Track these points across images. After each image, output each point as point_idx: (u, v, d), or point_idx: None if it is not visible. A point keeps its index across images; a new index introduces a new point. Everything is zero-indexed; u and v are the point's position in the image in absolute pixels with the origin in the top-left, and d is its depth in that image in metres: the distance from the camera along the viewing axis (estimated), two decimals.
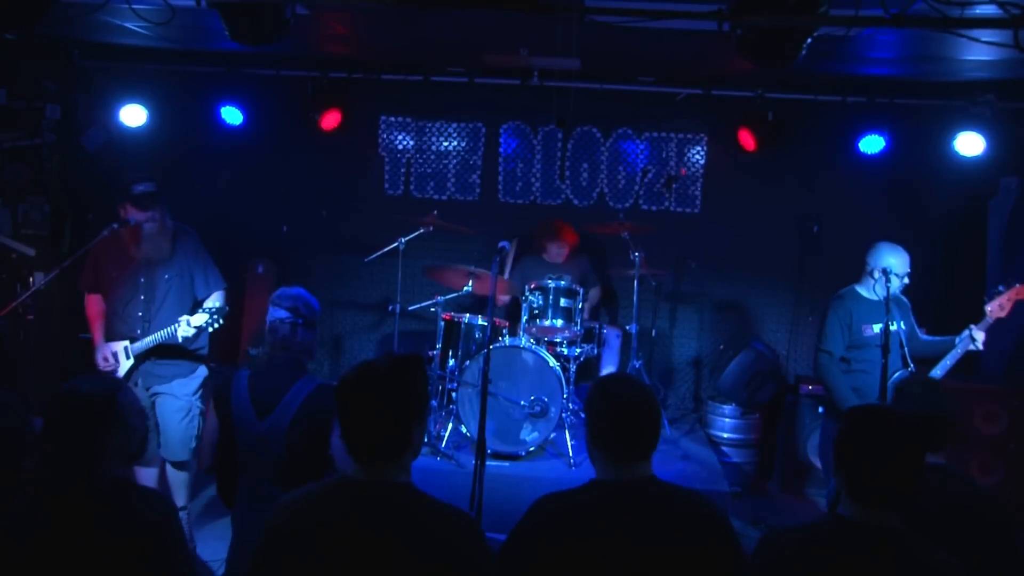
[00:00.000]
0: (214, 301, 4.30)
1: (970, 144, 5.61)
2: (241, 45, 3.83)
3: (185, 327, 4.10)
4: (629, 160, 6.65)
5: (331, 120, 6.32)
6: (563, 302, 5.20)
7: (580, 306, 5.28)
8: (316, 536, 1.87)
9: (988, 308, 4.19)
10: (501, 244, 4.03)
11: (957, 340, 4.22)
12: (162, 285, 4.29)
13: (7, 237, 6.08)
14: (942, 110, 5.77)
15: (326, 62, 6.20)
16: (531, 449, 4.96)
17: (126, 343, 4.28)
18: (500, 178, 6.72)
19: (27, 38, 5.32)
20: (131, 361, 4.29)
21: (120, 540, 2.05)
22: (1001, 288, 4.18)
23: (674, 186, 6.61)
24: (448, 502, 1.97)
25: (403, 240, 5.70)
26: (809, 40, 3.48)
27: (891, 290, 4.36)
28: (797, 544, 2.08)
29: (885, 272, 4.26)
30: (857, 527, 2.03)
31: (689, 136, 6.59)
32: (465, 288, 5.48)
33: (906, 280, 4.37)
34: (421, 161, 6.76)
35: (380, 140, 6.76)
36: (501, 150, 6.71)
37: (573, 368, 5.38)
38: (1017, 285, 4.14)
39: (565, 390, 4.95)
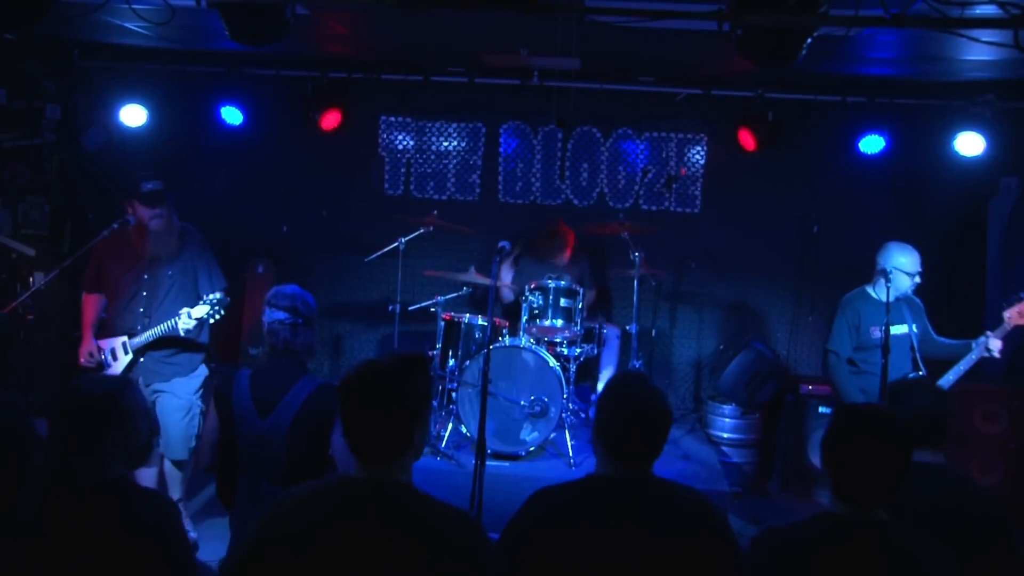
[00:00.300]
0: (215, 293, 4.28)
1: (970, 144, 5.61)
2: (241, 45, 3.84)
3: (186, 319, 4.10)
4: (629, 160, 6.65)
5: (331, 120, 6.32)
6: (563, 302, 5.20)
7: (580, 306, 5.28)
8: (314, 534, 1.87)
9: (1007, 315, 4.15)
10: (501, 244, 4.03)
11: (973, 344, 4.17)
12: (165, 281, 4.31)
13: (7, 237, 6.08)
14: (942, 110, 5.77)
15: (326, 62, 6.20)
16: (531, 449, 4.96)
17: (124, 338, 4.29)
18: (500, 178, 6.72)
19: (27, 38, 5.33)
20: (130, 356, 4.29)
21: (122, 541, 2.05)
22: (1022, 295, 4.15)
23: (674, 186, 6.61)
24: (449, 502, 1.97)
25: (403, 240, 5.70)
26: (809, 40, 3.48)
27: (902, 290, 4.34)
28: (787, 542, 2.10)
29: (885, 273, 4.25)
30: (843, 522, 2.06)
31: (689, 136, 6.59)
32: (465, 288, 5.48)
33: (918, 279, 4.35)
34: (421, 161, 6.76)
35: (380, 140, 6.76)
36: (501, 150, 6.71)
37: (573, 368, 5.38)
38: None
39: (565, 390, 4.95)
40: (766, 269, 6.60)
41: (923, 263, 4.46)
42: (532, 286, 5.27)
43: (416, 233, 5.71)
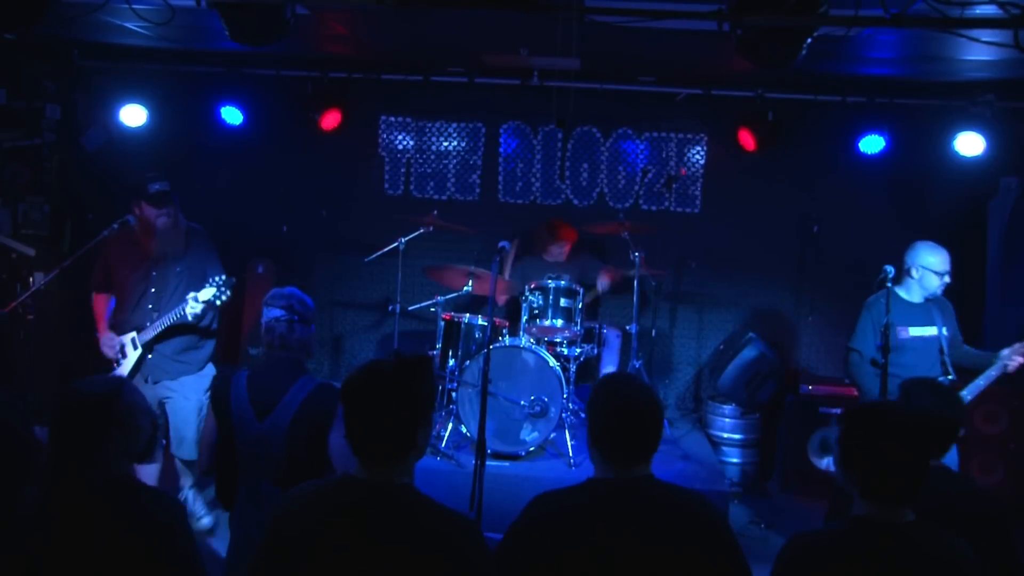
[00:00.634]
0: (220, 276, 4.23)
1: (970, 144, 5.61)
2: (241, 45, 3.84)
3: (192, 303, 4.10)
4: (629, 160, 6.65)
5: (331, 120, 6.32)
6: (563, 302, 5.20)
7: (580, 306, 5.28)
8: (316, 535, 1.87)
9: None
10: (501, 244, 4.03)
11: (999, 356, 4.07)
12: (173, 278, 4.34)
13: (7, 237, 6.09)
14: (942, 110, 5.77)
15: (326, 62, 6.20)
16: (531, 449, 4.96)
17: (133, 334, 4.32)
18: (500, 178, 6.72)
19: (27, 38, 5.33)
20: (139, 351, 4.31)
21: (128, 541, 2.05)
22: None
23: (674, 186, 6.62)
24: (449, 503, 1.97)
25: (403, 240, 5.70)
26: (809, 40, 3.48)
27: (931, 290, 4.26)
28: (821, 548, 2.07)
29: (885, 273, 4.21)
30: (876, 525, 2.04)
31: (689, 136, 6.59)
32: (465, 288, 5.48)
33: (947, 279, 4.26)
34: (421, 161, 6.76)
35: (380, 140, 6.76)
36: (501, 150, 6.71)
37: (573, 368, 5.38)
38: None
39: (565, 390, 4.95)
40: (766, 269, 6.60)
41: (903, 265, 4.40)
42: (532, 286, 5.27)
43: (416, 233, 5.71)
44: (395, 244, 5.71)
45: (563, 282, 5.23)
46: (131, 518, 2.08)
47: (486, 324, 5.07)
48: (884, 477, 2.05)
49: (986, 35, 3.53)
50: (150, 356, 4.35)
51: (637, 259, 5.59)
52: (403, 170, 6.77)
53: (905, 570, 1.99)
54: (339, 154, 6.71)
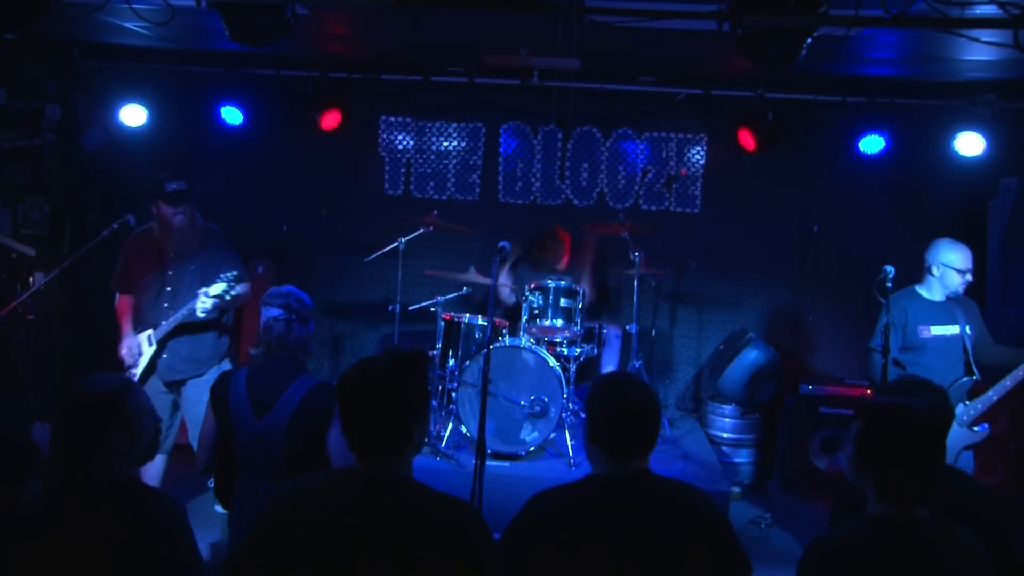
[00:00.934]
0: (231, 272, 4.23)
1: (970, 144, 5.61)
2: (241, 45, 3.84)
3: (203, 299, 4.12)
4: (629, 160, 6.65)
5: (331, 120, 6.32)
6: (563, 302, 5.20)
7: (580, 306, 5.28)
8: (313, 524, 1.87)
9: None
10: (501, 244, 4.02)
11: None
12: (188, 276, 4.36)
13: (7, 237, 6.09)
14: (942, 110, 5.77)
15: (326, 62, 6.20)
16: (531, 449, 4.96)
17: (149, 331, 4.34)
18: (500, 178, 6.72)
19: (27, 38, 5.33)
20: (154, 347, 4.33)
21: (128, 541, 2.04)
22: None
23: (674, 186, 6.62)
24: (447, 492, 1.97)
25: (403, 240, 5.70)
26: (809, 40, 3.49)
27: (952, 288, 4.20)
28: (846, 550, 2.07)
29: (885, 273, 4.20)
30: (896, 524, 2.05)
31: (689, 136, 6.59)
32: (465, 288, 5.48)
33: (969, 277, 4.20)
34: (421, 161, 6.76)
35: (380, 140, 6.76)
36: (501, 150, 6.71)
37: (573, 368, 5.38)
38: None
39: (565, 390, 4.95)
40: (766, 269, 6.60)
41: (922, 263, 4.39)
42: (532, 286, 5.26)
43: (416, 233, 5.71)
44: (395, 244, 5.71)
45: (563, 282, 5.23)
46: (132, 519, 2.08)
47: (486, 324, 5.07)
48: (903, 477, 2.06)
49: (986, 35, 3.53)
50: (164, 355, 4.36)
51: (637, 259, 5.59)
52: (403, 170, 6.77)
53: (930, 566, 2.00)
54: (339, 154, 6.71)
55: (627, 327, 5.92)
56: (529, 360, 4.99)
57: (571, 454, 4.95)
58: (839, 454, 5.65)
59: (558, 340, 5.36)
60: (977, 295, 5.94)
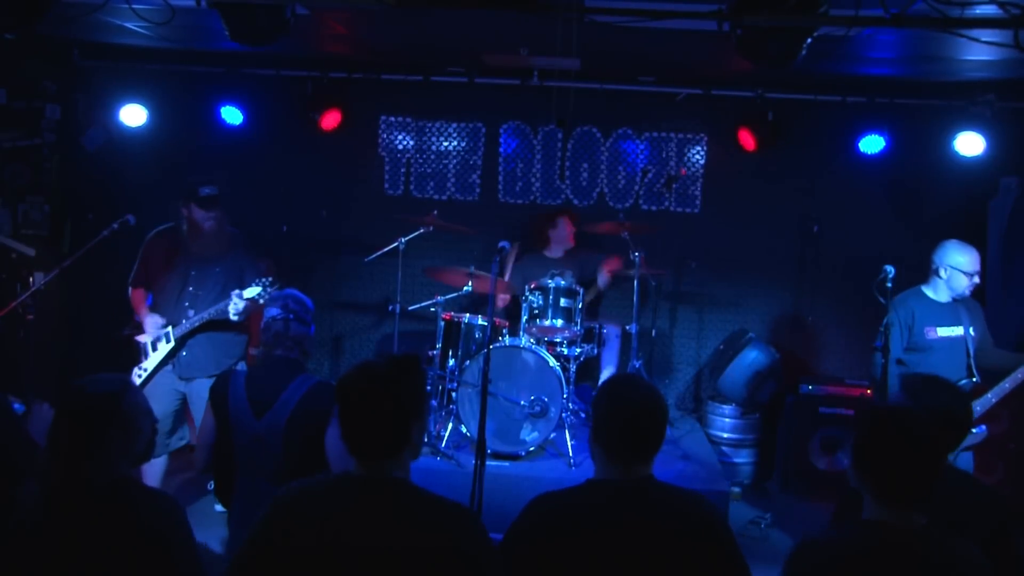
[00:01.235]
0: (267, 277, 4.30)
1: (970, 144, 5.61)
2: (241, 45, 3.84)
3: (236, 300, 4.17)
4: (629, 160, 6.65)
5: (331, 120, 6.32)
6: (563, 302, 5.20)
7: (580, 306, 5.28)
8: (312, 527, 1.87)
9: None
10: (501, 244, 4.03)
11: None
12: (212, 278, 4.41)
13: (7, 237, 6.09)
14: (942, 110, 5.77)
15: (326, 62, 6.20)
16: (531, 449, 4.96)
17: (169, 328, 4.35)
18: (500, 178, 6.72)
19: (27, 38, 5.32)
20: (171, 344, 4.35)
21: (126, 542, 2.05)
22: None
23: (674, 186, 6.61)
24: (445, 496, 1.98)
25: (403, 240, 5.70)
26: (809, 40, 3.48)
27: (959, 291, 4.20)
28: (832, 553, 2.05)
29: (885, 273, 4.19)
30: (889, 530, 2.03)
31: (689, 136, 6.59)
32: (465, 288, 5.48)
33: (976, 280, 4.21)
34: (421, 161, 6.76)
35: (380, 140, 6.76)
36: (501, 150, 6.71)
37: (573, 368, 5.38)
38: None
39: (565, 390, 4.95)
40: (766, 269, 6.60)
41: (922, 263, 4.40)
42: (532, 286, 5.27)
43: (416, 233, 5.71)
44: (395, 244, 5.71)
45: (563, 282, 5.23)
46: (131, 520, 2.08)
47: (486, 324, 5.07)
48: (898, 480, 2.04)
49: (986, 35, 3.53)
50: (184, 352, 4.39)
51: (637, 259, 5.59)
52: (403, 170, 6.77)
53: (913, 572, 1.97)
54: (339, 154, 6.70)
55: (627, 327, 5.92)
56: (529, 360, 4.99)
57: (571, 454, 4.95)
58: (839, 454, 5.67)
59: (558, 340, 5.36)
60: (977, 295, 5.96)
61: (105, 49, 5.87)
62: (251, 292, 4.19)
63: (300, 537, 1.87)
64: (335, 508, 1.90)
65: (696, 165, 6.61)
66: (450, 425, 5.10)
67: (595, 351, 5.68)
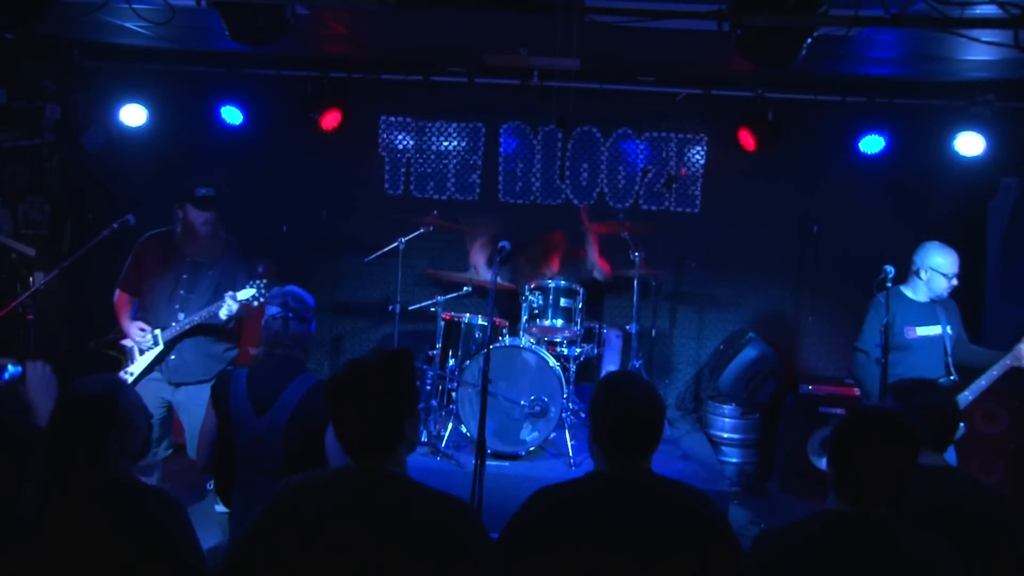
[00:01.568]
0: (262, 280, 4.27)
1: (970, 144, 5.61)
2: (241, 45, 3.84)
3: (230, 302, 4.12)
4: (629, 160, 6.65)
5: (331, 120, 6.32)
6: (563, 302, 5.20)
7: (580, 306, 5.28)
8: (310, 521, 1.88)
9: None
10: (501, 244, 4.03)
11: (1014, 349, 3.99)
12: (205, 281, 4.35)
13: (7, 237, 6.09)
14: (942, 110, 5.77)
15: (326, 62, 6.20)
16: (531, 449, 4.96)
17: (158, 331, 4.30)
18: (500, 178, 6.72)
19: (27, 38, 5.33)
20: (160, 347, 4.29)
21: (127, 541, 2.05)
22: None
23: (674, 186, 6.61)
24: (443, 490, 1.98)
25: (403, 240, 5.70)
26: (809, 40, 3.49)
27: (938, 292, 4.24)
28: (788, 542, 2.10)
29: (885, 273, 4.20)
30: (843, 520, 2.07)
31: (689, 136, 6.59)
32: (465, 288, 5.48)
33: (955, 282, 4.25)
34: (421, 161, 6.76)
35: (380, 140, 6.76)
36: (501, 150, 6.71)
37: (573, 368, 5.39)
38: None
39: (565, 390, 4.95)
40: (766, 269, 6.60)
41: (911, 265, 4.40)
42: (532, 286, 5.27)
43: (416, 233, 5.71)
44: (395, 244, 5.71)
45: (563, 282, 5.23)
46: (132, 519, 2.08)
47: (486, 324, 5.07)
48: (855, 479, 2.08)
49: (986, 35, 3.53)
50: (173, 357, 4.32)
51: (637, 259, 5.59)
52: (403, 170, 6.77)
53: (868, 564, 1.99)
54: (339, 154, 6.70)
55: (627, 327, 5.92)
56: (529, 360, 4.99)
57: (571, 454, 4.95)
58: None
59: (558, 340, 5.36)
60: (977, 295, 5.97)
61: (105, 49, 5.87)
62: (245, 294, 4.14)
63: (297, 531, 1.87)
64: (332, 502, 1.90)
65: (696, 165, 6.61)
66: (450, 425, 5.10)
67: (595, 351, 5.69)
